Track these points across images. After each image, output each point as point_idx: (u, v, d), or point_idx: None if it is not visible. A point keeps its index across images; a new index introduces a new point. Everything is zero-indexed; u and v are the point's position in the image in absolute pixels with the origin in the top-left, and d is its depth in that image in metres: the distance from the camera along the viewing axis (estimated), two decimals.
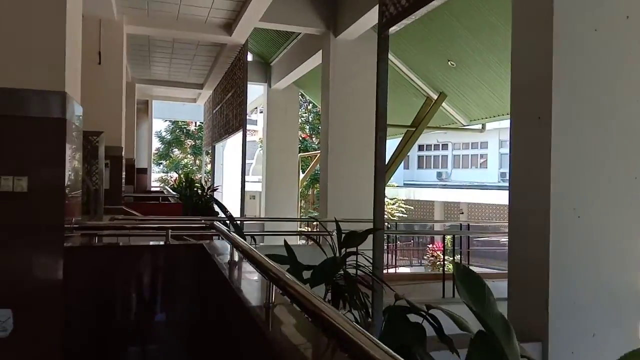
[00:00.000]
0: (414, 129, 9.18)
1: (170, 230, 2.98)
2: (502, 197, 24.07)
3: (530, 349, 3.90)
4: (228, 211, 3.09)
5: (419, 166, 30.10)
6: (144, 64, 10.35)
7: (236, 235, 2.23)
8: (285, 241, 2.53)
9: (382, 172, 3.19)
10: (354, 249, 2.42)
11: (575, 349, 3.85)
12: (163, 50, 9.20)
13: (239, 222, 7.12)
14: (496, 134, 26.84)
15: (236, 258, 2.38)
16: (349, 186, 7.69)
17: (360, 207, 7.69)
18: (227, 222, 3.38)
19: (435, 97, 9.20)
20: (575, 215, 3.86)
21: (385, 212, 9.80)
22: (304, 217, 16.91)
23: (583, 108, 3.87)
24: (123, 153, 6.92)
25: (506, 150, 28.87)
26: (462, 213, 24.23)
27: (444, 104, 9.32)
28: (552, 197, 3.78)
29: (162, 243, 2.97)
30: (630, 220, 3.76)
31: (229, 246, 2.41)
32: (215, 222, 2.96)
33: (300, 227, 13.84)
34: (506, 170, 27.72)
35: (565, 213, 3.84)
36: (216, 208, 7.25)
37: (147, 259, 2.88)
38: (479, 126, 10.11)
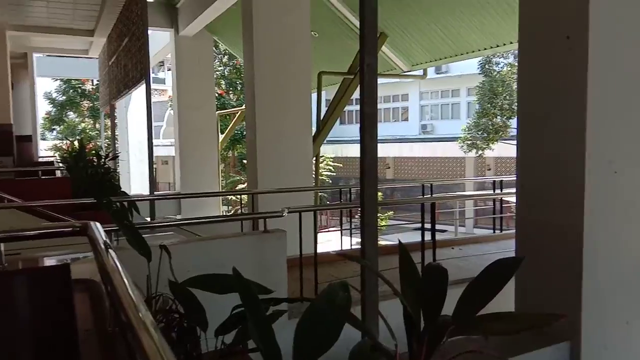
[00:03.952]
0: (351, 77, 7.98)
1: (2, 245, 1.57)
2: (424, 150, 23.98)
3: (556, 353, 2.97)
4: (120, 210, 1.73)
5: (342, 121, 29.29)
6: (14, 2, 8.16)
7: (123, 284, 0.91)
8: (234, 269, 1.28)
9: (374, 121, 1.96)
10: None
11: (609, 342, 2.98)
12: None
13: (149, 199, 5.63)
14: (416, 85, 26.45)
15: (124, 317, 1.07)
16: (283, 147, 6.39)
17: (297, 172, 6.47)
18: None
19: None
20: (610, 170, 2.88)
21: (314, 172, 8.65)
22: (228, 187, 15.42)
23: (629, 23, 2.85)
24: None
25: (426, 102, 28.94)
26: (389, 168, 23.89)
27: (383, 47, 8.17)
28: (587, 146, 2.75)
29: None
30: None
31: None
32: (92, 226, 1.59)
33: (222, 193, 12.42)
34: (426, 122, 27.66)
35: (600, 167, 2.85)
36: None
37: None
38: (420, 72, 9.10)
